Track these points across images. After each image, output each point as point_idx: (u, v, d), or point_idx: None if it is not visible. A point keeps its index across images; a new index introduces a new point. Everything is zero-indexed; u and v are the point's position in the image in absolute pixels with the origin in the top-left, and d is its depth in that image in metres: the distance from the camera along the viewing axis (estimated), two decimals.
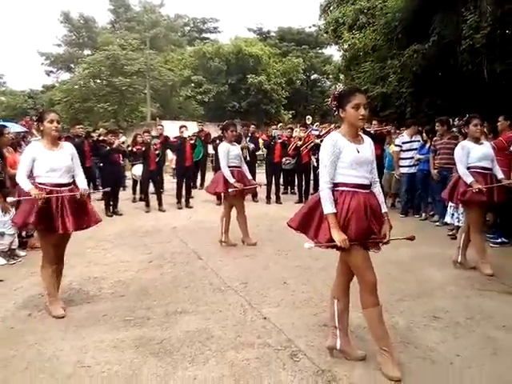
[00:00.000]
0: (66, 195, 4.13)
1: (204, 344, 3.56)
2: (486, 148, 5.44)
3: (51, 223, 4.05)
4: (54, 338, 3.70)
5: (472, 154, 5.34)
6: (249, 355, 3.37)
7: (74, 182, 4.34)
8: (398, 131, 10.46)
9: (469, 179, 5.23)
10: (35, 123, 4.31)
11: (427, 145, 8.61)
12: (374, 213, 3.12)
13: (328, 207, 3.04)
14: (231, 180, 6.44)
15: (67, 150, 4.32)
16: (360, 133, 3.28)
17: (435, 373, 3.13)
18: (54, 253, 4.22)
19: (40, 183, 4.12)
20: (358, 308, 3.24)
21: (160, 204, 10.07)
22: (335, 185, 3.12)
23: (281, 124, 13.25)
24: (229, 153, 6.54)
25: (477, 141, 5.43)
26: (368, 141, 3.26)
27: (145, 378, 3.10)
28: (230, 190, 6.47)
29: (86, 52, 38.29)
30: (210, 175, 12.40)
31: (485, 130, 6.90)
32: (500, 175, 5.44)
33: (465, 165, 5.34)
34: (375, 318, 3.12)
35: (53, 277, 4.24)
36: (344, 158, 3.10)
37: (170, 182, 12.61)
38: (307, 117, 15.12)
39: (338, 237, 2.97)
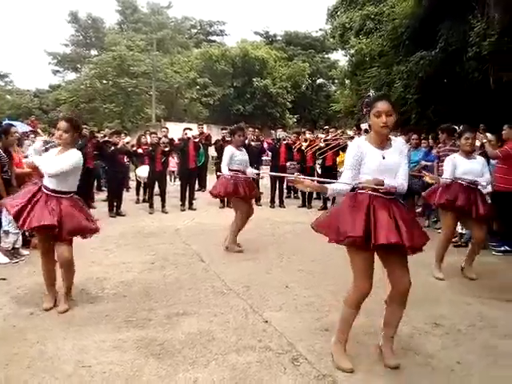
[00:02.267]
0: None
1: (205, 346, 3.56)
2: (476, 164, 5.38)
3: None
4: (56, 338, 3.71)
5: (458, 168, 5.37)
6: (250, 358, 3.37)
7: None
8: None
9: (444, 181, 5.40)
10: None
11: (433, 151, 8.60)
12: (397, 219, 3.06)
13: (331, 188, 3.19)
14: (226, 172, 6.45)
15: None
16: (392, 137, 3.27)
17: (436, 380, 3.13)
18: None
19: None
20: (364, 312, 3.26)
21: (163, 205, 10.11)
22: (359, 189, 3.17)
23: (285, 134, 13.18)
24: (233, 157, 6.52)
25: (468, 154, 5.40)
26: (397, 145, 3.23)
27: (146, 379, 3.10)
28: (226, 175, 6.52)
29: (93, 52, 38.51)
30: (212, 178, 12.46)
31: (485, 141, 6.90)
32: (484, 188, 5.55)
33: (449, 175, 5.38)
34: (350, 317, 3.24)
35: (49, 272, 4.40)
36: (367, 163, 3.15)
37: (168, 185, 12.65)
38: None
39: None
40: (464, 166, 5.34)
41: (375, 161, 3.13)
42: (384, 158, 3.13)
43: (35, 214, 4.08)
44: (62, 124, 4.21)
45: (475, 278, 5.35)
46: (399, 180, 3.17)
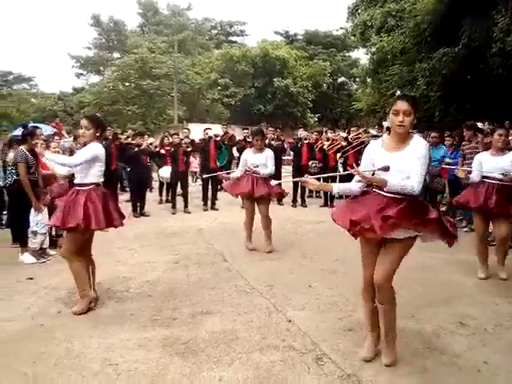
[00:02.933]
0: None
1: (229, 345, 3.58)
2: (503, 160, 5.26)
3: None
4: (83, 336, 3.77)
5: (484, 165, 5.35)
6: (274, 358, 3.37)
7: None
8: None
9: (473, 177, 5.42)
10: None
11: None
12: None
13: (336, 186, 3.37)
14: (231, 175, 6.80)
15: None
16: (415, 136, 3.27)
17: (462, 380, 3.09)
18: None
19: None
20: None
21: (186, 206, 10.17)
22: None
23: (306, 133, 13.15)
24: (247, 160, 6.58)
25: (498, 151, 5.33)
26: (415, 146, 3.13)
27: (170, 377, 3.13)
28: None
29: (116, 55, 38.96)
30: None
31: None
32: None
33: (475, 172, 5.40)
34: (366, 310, 3.41)
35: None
36: (376, 166, 3.16)
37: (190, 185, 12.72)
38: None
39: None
40: (489, 163, 5.29)
41: (384, 163, 3.10)
42: (396, 160, 3.10)
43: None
44: (83, 121, 4.42)
45: (505, 278, 5.24)
46: (410, 181, 3.05)
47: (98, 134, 4.42)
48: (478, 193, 5.30)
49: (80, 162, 4.31)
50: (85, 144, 4.51)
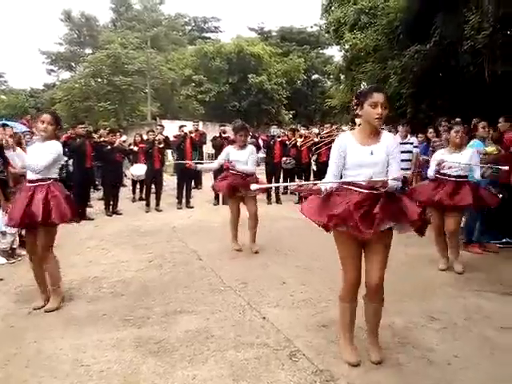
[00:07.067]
0: None
1: (203, 344, 3.57)
2: (461, 157, 5.37)
3: None
4: (54, 337, 3.72)
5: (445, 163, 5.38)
6: (248, 355, 3.38)
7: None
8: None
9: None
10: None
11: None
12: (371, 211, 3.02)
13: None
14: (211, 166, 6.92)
15: None
16: (383, 131, 3.25)
17: (432, 373, 3.14)
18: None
19: None
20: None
21: (158, 203, 10.10)
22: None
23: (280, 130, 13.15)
24: (228, 155, 6.40)
25: (457, 148, 5.45)
26: (386, 140, 3.17)
27: (144, 377, 3.11)
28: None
29: (87, 51, 38.30)
30: (207, 175, 12.46)
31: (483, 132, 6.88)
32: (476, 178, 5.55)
33: (432, 171, 5.51)
34: (345, 312, 3.34)
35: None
36: (348, 160, 3.15)
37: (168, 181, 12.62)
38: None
39: None
40: (450, 160, 5.35)
41: (359, 156, 3.11)
42: (372, 153, 3.11)
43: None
44: (47, 116, 4.28)
45: (461, 272, 5.37)
46: (394, 177, 3.08)
47: (56, 132, 4.41)
48: (433, 189, 5.44)
49: (47, 164, 4.20)
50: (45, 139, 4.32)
